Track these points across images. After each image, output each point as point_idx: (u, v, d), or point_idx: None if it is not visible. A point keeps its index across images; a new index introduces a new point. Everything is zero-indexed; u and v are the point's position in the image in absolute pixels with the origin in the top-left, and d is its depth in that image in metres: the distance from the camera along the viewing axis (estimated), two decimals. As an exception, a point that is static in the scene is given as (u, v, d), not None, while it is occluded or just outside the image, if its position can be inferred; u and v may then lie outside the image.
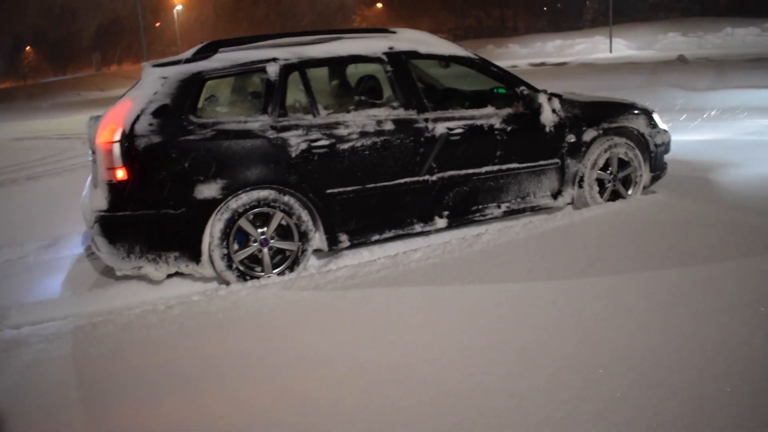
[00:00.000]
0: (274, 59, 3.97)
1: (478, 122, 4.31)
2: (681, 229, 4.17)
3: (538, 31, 49.10)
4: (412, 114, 4.16)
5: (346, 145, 3.96)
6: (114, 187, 3.62)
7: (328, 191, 3.96)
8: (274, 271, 3.92)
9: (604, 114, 4.76)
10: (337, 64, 4.34)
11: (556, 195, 4.69)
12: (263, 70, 3.95)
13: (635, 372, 2.49)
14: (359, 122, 4.01)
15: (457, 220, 4.37)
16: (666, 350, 2.65)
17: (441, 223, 4.31)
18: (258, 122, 3.85)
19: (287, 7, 73.56)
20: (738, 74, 14.13)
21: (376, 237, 4.15)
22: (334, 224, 4.03)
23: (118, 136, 3.59)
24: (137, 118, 3.64)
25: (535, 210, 4.66)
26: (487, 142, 4.34)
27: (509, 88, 4.50)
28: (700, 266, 3.52)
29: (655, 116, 5.06)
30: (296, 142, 3.87)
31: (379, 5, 62.03)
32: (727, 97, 10.88)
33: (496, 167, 4.39)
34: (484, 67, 4.50)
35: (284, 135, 3.86)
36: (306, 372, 2.69)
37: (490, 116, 4.37)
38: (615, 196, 4.89)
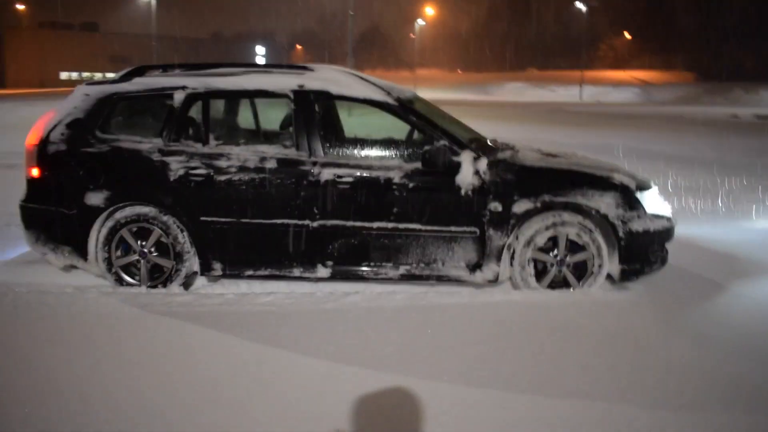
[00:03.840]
0: (183, 87, 4.18)
1: (374, 173, 4.02)
2: (600, 346, 3.34)
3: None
4: (302, 155, 4.05)
5: (223, 177, 4.02)
6: (30, 183, 4.24)
7: (202, 218, 4.07)
8: (148, 284, 4.15)
9: (549, 184, 4.05)
10: (243, 97, 4.38)
11: (473, 268, 4.14)
12: (171, 96, 4.18)
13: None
14: (242, 156, 4.04)
15: (343, 273, 4.14)
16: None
17: (323, 272, 4.12)
18: (149, 144, 4.12)
19: (531, 29, 73.02)
20: None
21: (249, 272, 4.14)
22: (207, 251, 4.12)
23: (36, 140, 4.17)
24: (54, 127, 4.18)
25: (443, 281, 4.17)
26: (381, 196, 4.03)
27: (429, 140, 4.12)
28: (569, 400, 2.80)
29: (642, 195, 4.15)
30: (176, 167, 4.04)
31: (627, 36, 58.52)
32: None
33: (390, 224, 4.05)
34: (402, 114, 4.16)
35: (167, 159, 4.06)
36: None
37: (391, 168, 4.04)
38: (565, 283, 4.19)
